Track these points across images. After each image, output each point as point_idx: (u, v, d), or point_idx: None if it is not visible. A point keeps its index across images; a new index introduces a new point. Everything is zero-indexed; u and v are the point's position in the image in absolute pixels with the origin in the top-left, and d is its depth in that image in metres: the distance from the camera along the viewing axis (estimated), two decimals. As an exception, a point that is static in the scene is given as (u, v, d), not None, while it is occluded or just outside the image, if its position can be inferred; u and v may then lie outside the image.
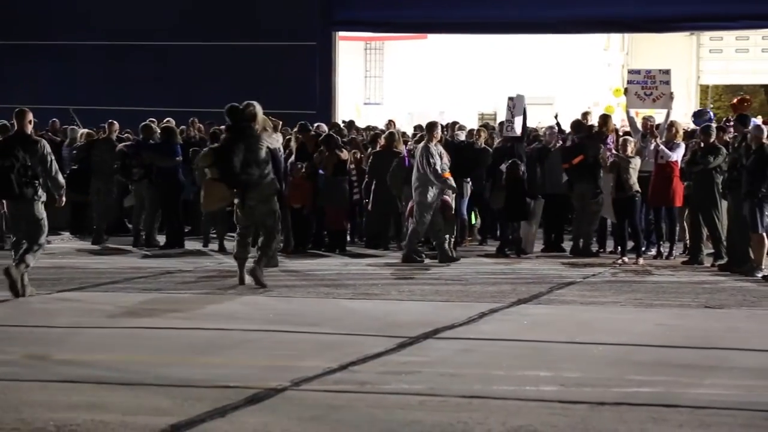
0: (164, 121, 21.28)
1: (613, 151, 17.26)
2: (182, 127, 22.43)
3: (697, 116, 21.20)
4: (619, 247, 17.14)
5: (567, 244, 18.33)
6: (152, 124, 20.24)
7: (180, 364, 9.23)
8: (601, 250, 18.12)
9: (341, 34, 29.98)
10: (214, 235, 19.26)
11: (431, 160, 16.60)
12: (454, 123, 21.43)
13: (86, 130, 22.16)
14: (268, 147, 14.09)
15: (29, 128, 13.26)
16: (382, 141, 19.23)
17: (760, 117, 25.18)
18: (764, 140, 15.19)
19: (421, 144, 17.06)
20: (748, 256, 15.42)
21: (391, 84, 37.03)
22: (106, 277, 14.75)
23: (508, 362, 9.26)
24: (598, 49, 36.68)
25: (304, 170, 18.09)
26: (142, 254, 18.13)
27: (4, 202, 13.58)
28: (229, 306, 12.64)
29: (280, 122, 15.71)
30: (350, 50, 33.74)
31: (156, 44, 29.07)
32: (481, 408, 7.70)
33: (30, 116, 13.25)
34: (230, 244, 19.23)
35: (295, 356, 9.52)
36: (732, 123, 18.19)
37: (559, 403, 7.83)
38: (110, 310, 12.30)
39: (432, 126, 17.18)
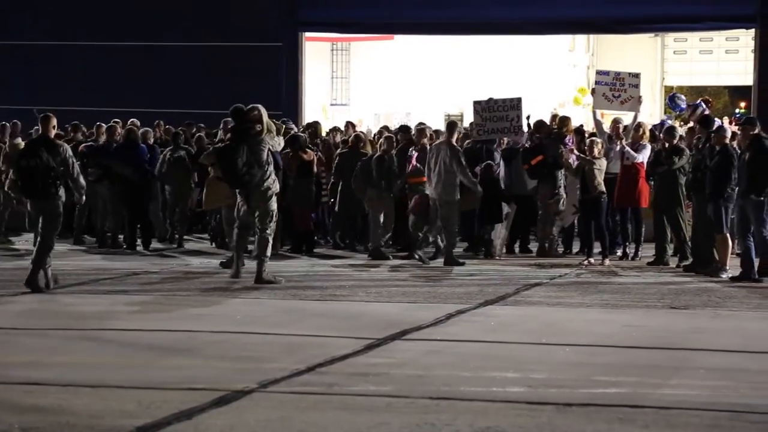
0: (129, 122, 21.17)
1: (576, 152, 17.33)
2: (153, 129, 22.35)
3: (672, 100, 21.18)
4: (585, 249, 17.21)
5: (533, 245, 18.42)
6: (117, 125, 20.17)
7: (146, 366, 9.20)
8: (567, 251, 18.20)
9: (308, 34, 29.92)
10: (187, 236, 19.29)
11: (462, 160, 16.72)
12: (420, 124, 21.41)
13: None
14: (269, 149, 14.31)
15: (53, 132, 14.05)
16: (348, 142, 19.26)
17: (726, 118, 25.38)
18: (727, 141, 15.29)
19: (442, 142, 17.00)
20: (713, 256, 15.52)
21: (358, 85, 37.02)
22: (71, 279, 14.66)
23: (476, 363, 9.28)
24: (564, 50, 36.83)
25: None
26: (107, 256, 18.03)
27: (28, 201, 14.23)
28: (195, 307, 12.60)
29: (284, 126, 15.90)
30: (317, 51, 33.70)
31: (120, 45, 28.89)
32: (448, 409, 7.71)
33: (54, 121, 14.10)
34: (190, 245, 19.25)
35: (262, 358, 9.50)
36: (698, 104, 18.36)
37: (526, 404, 7.86)
38: (76, 312, 12.25)
39: (452, 125, 17.30)
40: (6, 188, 14.59)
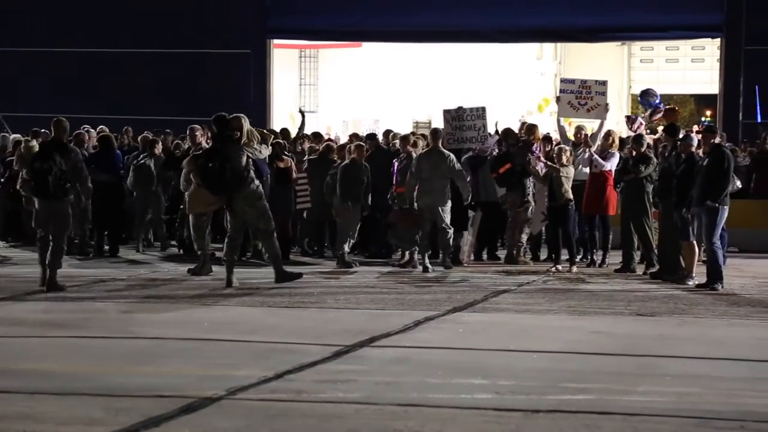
0: (98, 129, 21.08)
1: (543, 160, 17.38)
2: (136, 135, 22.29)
3: (644, 96, 21.18)
4: (552, 256, 17.28)
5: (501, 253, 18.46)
6: (86, 132, 20.08)
7: (113, 374, 9.15)
8: (535, 258, 18.26)
9: (276, 42, 29.94)
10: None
11: (459, 164, 16.93)
12: (388, 131, 21.45)
13: (17, 136, 21.93)
14: (249, 157, 14.62)
15: (65, 137, 14.88)
16: (318, 149, 19.27)
17: (696, 126, 25.51)
18: (693, 149, 15.40)
19: (431, 150, 17.01)
20: (679, 264, 15.62)
21: (326, 92, 37.07)
22: (38, 286, 14.58)
23: (444, 370, 9.29)
24: (531, 59, 37.01)
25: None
26: (74, 262, 17.92)
27: (36, 200, 14.64)
28: (164, 315, 12.55)
29: (272, 135, 16.19)
30: (285, 58, 33.71)
31: (89, 51, 28.81)
32: (416, 416, 7.73)
33: (66, 126, 14.95)
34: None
35: (231, 365, 9.48)
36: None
37: (494, 410, 7.89)
38: (43, 319, 12.18)
39: (437, 131, 17.35)
40: (17, 187, 15.12)
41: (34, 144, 15.61)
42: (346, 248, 17.35)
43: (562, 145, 17.65)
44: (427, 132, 25.88)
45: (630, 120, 19.93)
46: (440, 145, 17.17)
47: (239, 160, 14.51)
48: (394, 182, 17.74)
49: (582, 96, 18.71)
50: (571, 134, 18.33)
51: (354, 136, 21.83)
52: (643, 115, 20.97)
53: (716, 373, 9.50)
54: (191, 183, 16.16)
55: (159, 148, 19.73)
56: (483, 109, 18.55)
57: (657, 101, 20.76)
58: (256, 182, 14.77)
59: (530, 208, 17.81)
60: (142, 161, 19.39)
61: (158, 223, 19.87)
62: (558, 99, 19.41)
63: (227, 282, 14.67)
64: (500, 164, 17.82)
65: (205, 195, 15.13)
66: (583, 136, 17.83)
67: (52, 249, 14.41)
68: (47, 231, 14.56)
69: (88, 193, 14.73)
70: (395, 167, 17.83)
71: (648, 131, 20.61)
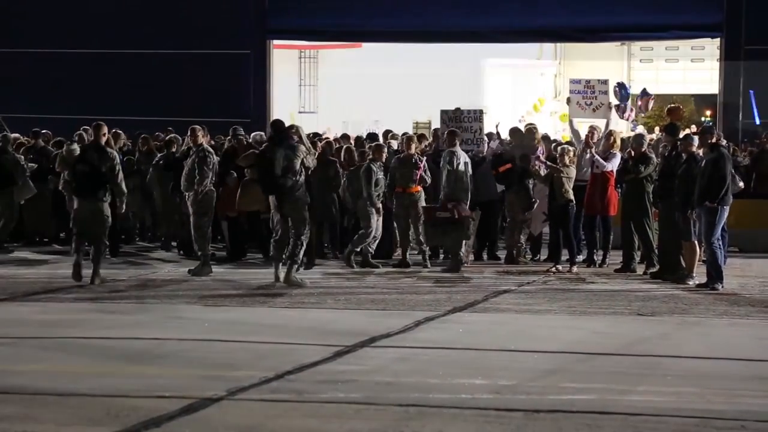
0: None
1: (542, 159, 17.35)
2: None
3: (622, 89, 21.21)
4: (553, 256, 17.25)
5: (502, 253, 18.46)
6: (85, 133, 20.06)
7: (114, 374, 9.16)
8: (536, 258, 18.25)
9: (276, 42, 29.95)
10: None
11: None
12: (387, 132, 21.43)
13: (17, 136, 21.94)
14: (303, 162, 14.86)
15: (104, 140, 15.23)
16: (318, 149, 19.20)
17: (694, 126, 25.50)
18: (694, 149, 15.38)
19: (452, 149, 17.00)
20: (680, 263, 15.61)
21: (326, 92, 37.06)
22: (38, 287, 14.60)
23: (444, 370, 9.29)
24: (532, 59, 37.00)
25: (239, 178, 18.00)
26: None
27: (75, 200, 15.38)
28: (164, 315, 12.55)
29: (315, 152, 16.47)
30: (285, 59, 33.71)
31: (88, 52, 28.83)
32: (417, 416, 7.73)
33: (105, 129, 15.32)
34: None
35: (231, 365, 9.49)
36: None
37: (495, 410, 7.89)
38: (43, 320, 12.18)
39: (454, 133, 17.26)
40: (60, 188, 15.45)
41: (76, 147, 16.10)
42: (371, 249, 17.37)
43: (566, 146, 17.64)
44: (428, 132, 25.97)
45: (619, 109, 19.95)
46: (455, 144, 17.17)
47: (296, 162, 14.74)
48: (415, 180, 17.45)
49: (587, 96, 18.81)
50: (584, 135, 18.30)
51: (344, 137, 21.79)
52: (637, 105, 21.03)
53: (717, 372, 9.51)
54: (192, 183, 16.12)
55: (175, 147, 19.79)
56: (480, 111, 18.58)
57: (629, 90, 20.84)
58: (304, 187, 14.96)
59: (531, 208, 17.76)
60: (161, 161, 19.41)
61: (169, 223, 19.84)
62: (568, 100, 19.51)
63: (275, 277, 14.94)
64: (500, 163, 17.81)
65: (256, 192, 15.47)
66: (587, 137, 17.79)
67: (94, 248, 15.01)
68: (83, 230, 14.99)
69: (121, 195, 15.12)
70: (421, 166, 17.51)
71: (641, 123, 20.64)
